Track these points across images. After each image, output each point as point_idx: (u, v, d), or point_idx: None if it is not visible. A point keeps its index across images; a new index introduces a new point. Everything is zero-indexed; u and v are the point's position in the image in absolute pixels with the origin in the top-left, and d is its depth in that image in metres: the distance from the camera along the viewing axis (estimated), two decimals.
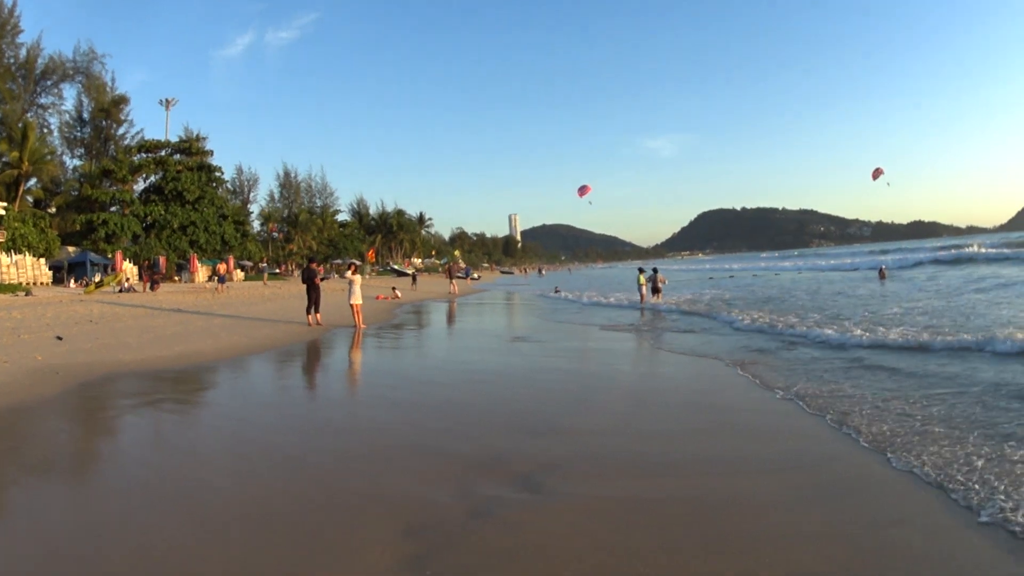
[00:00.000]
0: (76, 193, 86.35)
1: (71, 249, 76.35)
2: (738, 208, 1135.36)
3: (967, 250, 74.67)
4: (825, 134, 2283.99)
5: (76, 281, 63.20)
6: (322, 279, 30.89)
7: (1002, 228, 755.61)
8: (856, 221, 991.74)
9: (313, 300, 29.15)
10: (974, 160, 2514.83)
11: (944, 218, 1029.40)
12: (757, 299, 37.99)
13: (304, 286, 29.66)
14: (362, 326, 28.10)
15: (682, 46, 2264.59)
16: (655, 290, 40.61)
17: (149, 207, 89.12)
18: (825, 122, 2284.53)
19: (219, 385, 15.68)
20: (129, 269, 64.07)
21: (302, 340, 23.93)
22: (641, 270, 42.57)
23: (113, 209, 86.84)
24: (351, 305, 28.43)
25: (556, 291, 61.81)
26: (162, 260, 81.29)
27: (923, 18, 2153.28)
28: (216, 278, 60.43)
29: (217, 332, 25.08)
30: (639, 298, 41.42)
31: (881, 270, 56.86)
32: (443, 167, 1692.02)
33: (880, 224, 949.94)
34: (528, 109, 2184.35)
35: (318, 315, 29.14)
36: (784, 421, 10.88)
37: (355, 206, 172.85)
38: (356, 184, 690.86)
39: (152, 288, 56.99)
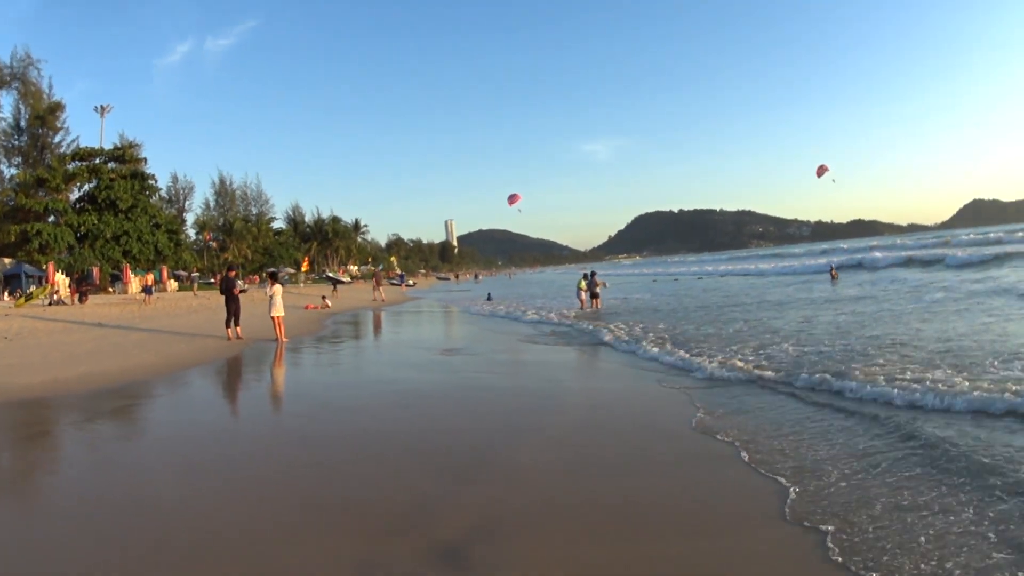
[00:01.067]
0: (12, 203, 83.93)
1: (7, 261, 74.46)
2: (675, 210, 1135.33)
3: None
4: (762, 135, 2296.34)
5: (10, 295, 61.56)
6: (242, 290, 29.85)
7: (944, 225, 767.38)
8: (795, 221, 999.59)
9: (232, 312, 28.13)
10: (916, 158, 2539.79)
11: (885, 216, 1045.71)
12: (683, 308, 37.24)
13: (216, 296, 29.07)
14: (284, 340, 27.18)
15: (616, 50, 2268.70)
16: (593, 295, 40.07)
17: (83, 216, 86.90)
18: (762, 123, 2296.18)
19: (100, 417, 13.97)
20: (61, 281, 62.23)
21: (217, 358, 22.89)
22: (585, 276, 41.51)
23: (51, 220, 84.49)
24: (272, 318, 27.56)
25: (488, 299, 60.69)
26: (96, 271, 79.43)
27: (864, 15, 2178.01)
28: (143, 289, 59.32)
29: (129, 349, 24.09)
30: (579, 304, 40.76)
31: (832, 271, 56.30)
32: (378, 173, 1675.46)
33: (820, 223, 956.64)
34: (464, 114, 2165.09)
35: (238, 328, 28.15)
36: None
37: (290, 213, 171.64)
38: (292, 191, 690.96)
39: (81, 300, 55.20)
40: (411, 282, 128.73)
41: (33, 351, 22.90)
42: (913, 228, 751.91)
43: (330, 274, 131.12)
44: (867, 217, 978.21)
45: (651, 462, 9.50)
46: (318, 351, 25.89)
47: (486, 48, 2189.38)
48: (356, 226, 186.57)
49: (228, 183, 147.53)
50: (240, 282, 29.39)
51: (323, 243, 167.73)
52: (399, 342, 30.26)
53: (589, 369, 19.76)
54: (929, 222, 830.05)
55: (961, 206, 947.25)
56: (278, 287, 28.50)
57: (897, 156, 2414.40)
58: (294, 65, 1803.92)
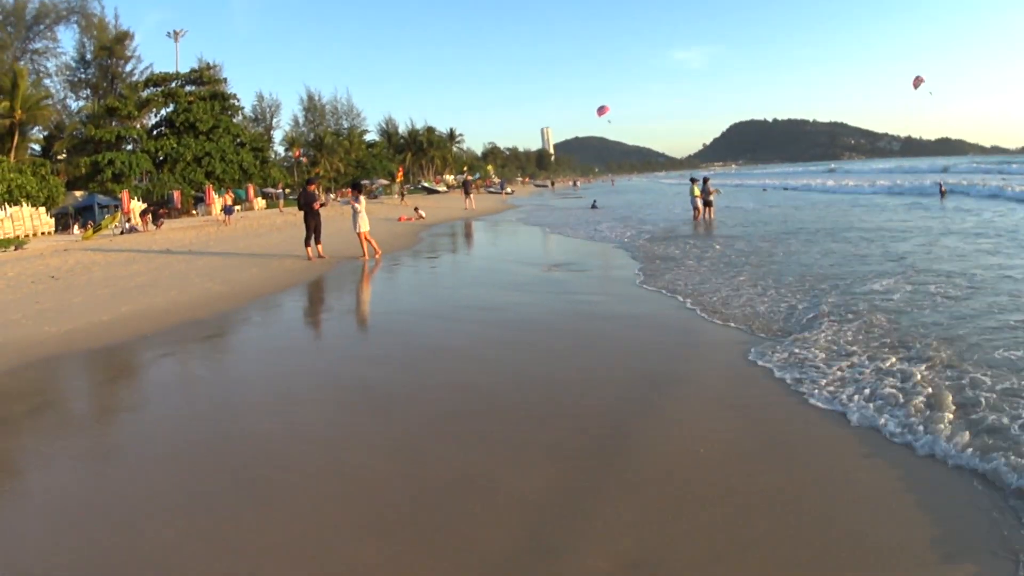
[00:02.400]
0: (80, 135, 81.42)
1: (78, 194, 71.59)
2: (769, 119, 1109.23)
3: None
4: (855, 46, 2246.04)
5: (81, 227, 58.80)
6: (322, 204, 26.32)
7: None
8: (886, 135, 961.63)
9: (312, 229, 24.84)
10: (1002, 79, 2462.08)
11: (970, 136, 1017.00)
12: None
13: (301, 213, 25.55)
14: (371, 257, 24.25)
15: None
16: (707, 203, 35.84)
17: (160, 141, 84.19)
18: (856, 35, 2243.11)
19: (115, 380, 10.74)
20: (135, 209, 59.41)
21: (292, 283, 19.61)
22: (693, 180, 37.34)
23: (128, 148, 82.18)
24: (358, 234, 24.56)
25: (594, 207, 57.37)
26: (177, 195, 76.46)
27: None
28: (222, 209, 56.18)
29: (192, 278, 20.54)
30: (693, 213, 36.52)
31: (941, 188, 50.55)
32: (473, 82, 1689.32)
33: (909, 139, 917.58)
34: (557, 20, 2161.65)
35: (319, 246, 24.82)
36: None
37: (383, 125, 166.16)
38: (384, 105, 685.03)
39: (156, 226, 52.60)
40: (509, 190, 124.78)
41: (78, 291, 19.32)
42: (996, 150, 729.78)
43: (425, 184, 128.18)
44: (954, 136, 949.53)
45: None
46: (413, 268, 22.79)
47: None
48: (451, 135, 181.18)
49: (317, 99, 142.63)
50: (322, 195, 25.69)
51: (418, 153, 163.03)
52: (499, 256, 26.58)
53: None
54: (1012, 145, 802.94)
55: None
56: (363, 200, 25.27)
57: (986, 75, 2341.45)
58: None
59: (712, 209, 36.11)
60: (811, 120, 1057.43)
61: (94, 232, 48.78)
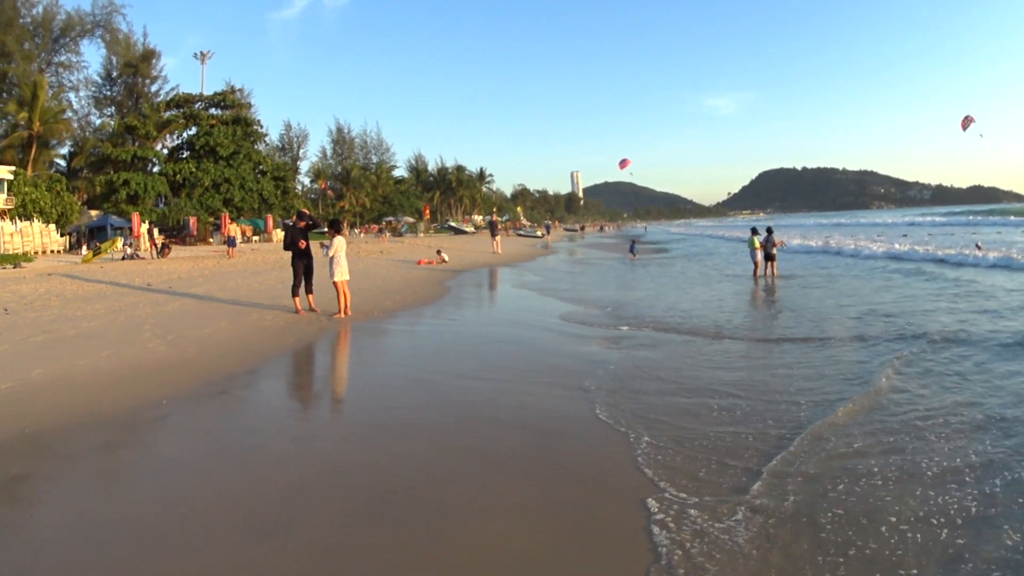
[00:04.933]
0: (97, 153, 79.02)
1: (93, 213, 69.67)
2: (798, 168, 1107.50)
3: None
4: (885, 94, 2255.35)
5: (89, 248, 55.28)
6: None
7: None
8: (916, 184, 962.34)
9: (301, 274, 20.33)
10: None
11: (1003, 183, 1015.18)
12: None
13: (288, 254, 21.13)
14: (347, 314, 19.72)
15: (742, 3, 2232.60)
16: (768, 256, 31.38)
17: (179, 165, 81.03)
18: (886, 83, 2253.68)
19: None
20: (146, 233, 56.20)
21: (257, 352, 14.82)
22: (754, 231, 32.59)
23: (155, 170, 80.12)
24: (334, 284, 19.88)
25: (632, 251, 53.55)
26: (193, 221, 73.35)
27: None
28: (225, 241, 52.44)
29: (145, 331, 16.37)
30: (753, 267, 32.14)
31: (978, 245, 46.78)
32: (505, 123, 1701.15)
33: (940, 187, 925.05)
34: (590, 66, 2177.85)
35: (310, 297, 20.44)
36: None
37: (413, 162, 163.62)
38: (414, 142, 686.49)
39: (160, 254, 48.63)
40: (540, 233, 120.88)
41: (14, 332, 15.83)
42: None
43: (452, 224, 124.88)
44: (986, 183, 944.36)
45: None
46: (434, 334, 18.01)
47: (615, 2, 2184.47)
48: (481, 175, 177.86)
49: (346, 131, 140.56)
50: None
51: (446, 192, 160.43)
52: (555, 330, 18.52)
53: None
54: None
55: None
56: (340, 241, 20.47)
57: (1020, 121, 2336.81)
58: (414, 15, 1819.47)
59: (775, 265, 31.69)
60: (840, 168, 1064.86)
61: (94, 255, 45.25)
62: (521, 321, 20.22)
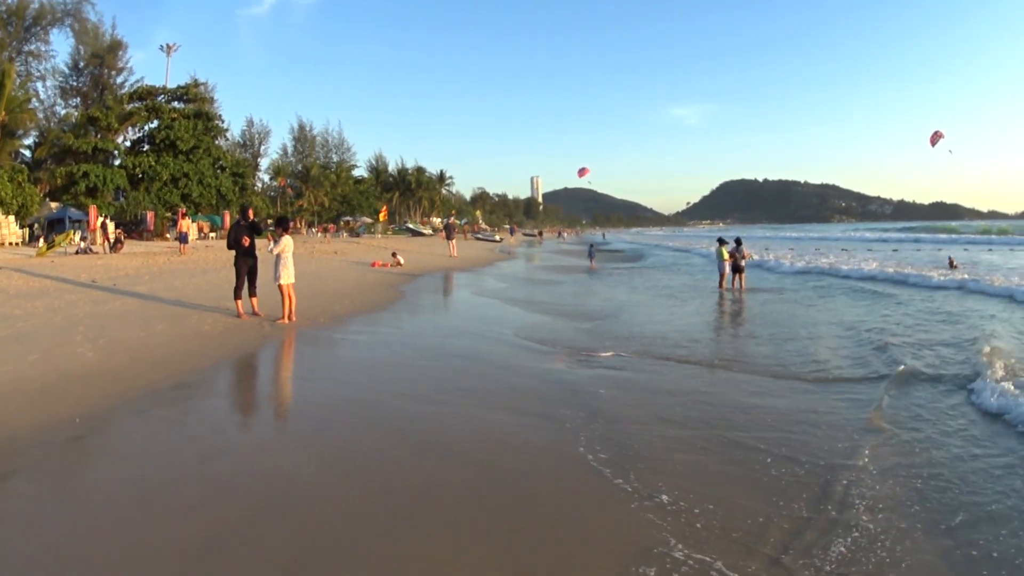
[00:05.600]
0: (59, 144, 76.85)
1: (53, 205, 67.71)
2: (760, 179, 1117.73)
3: None
4: (848, 109, 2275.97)
5: (45, 241, 53.97)
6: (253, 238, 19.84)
7: (1022, 215, 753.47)
8: (877, 198, 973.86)
9: (243, 275, 19.29)
10: (999, 144, 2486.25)
11: (965, 200, 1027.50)
12: None
13: (232, 253, 20.04)
14: (292, 319, 18.66)
15: (711, 13, 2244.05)
16: (737, 268, 30.76)
17: (138, 158, 79.33)
18: (848, 97, 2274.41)
19: None
20: (110, 227, 54.80)
21: (193, 361, 13.85)
22: (721, 241, 31.86)
23: (114, 162, 78.41)
24: (279, 287, 18.78)
25: (591, 257, 54.26)
26: (150, 216, 72.08)
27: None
28: (177, 238, 51.30)
29: (78, 332, 15.46)
30: (719, 277, 31.48)
31: (951, 259, 46.84)
32: (467, 126, 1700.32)
33: (902, 203, 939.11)
34: (555, 71, 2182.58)
35: (254, 300, 19.35)
36: None
37: (373, 162, 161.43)
38: (376, 142, 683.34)
39: (113, 249, 47.42)
40: (498, 237, 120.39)
41: None
42: (993, 215, 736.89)
43: (411, 225, 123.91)
44: (949, 200, 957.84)
45: None
46: (384, 347, 16.50)
47: (582, 6, 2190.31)
48: (441, 177, 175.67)
49: (308, 129, 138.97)
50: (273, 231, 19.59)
51: (405, 193, 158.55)
52: (517, 344, 17.05)
53: None
54: (1009, 211, 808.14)
55: None
56: (288, 241, 19.37)
57: (980, 139, 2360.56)
58: (383, 17, 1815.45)
59: (743, 277, 31.08)
60: (802, 181, 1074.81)
61: (48, 249, 43.77)
62: (480, 333, 18.89)
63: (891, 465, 8.39)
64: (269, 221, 75.25)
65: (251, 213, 19.97)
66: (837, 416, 10.52)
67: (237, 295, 19.10)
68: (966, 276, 33.22)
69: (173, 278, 27.60)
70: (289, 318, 18.56)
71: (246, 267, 19.27)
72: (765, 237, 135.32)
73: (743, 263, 31.21)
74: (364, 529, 6.55)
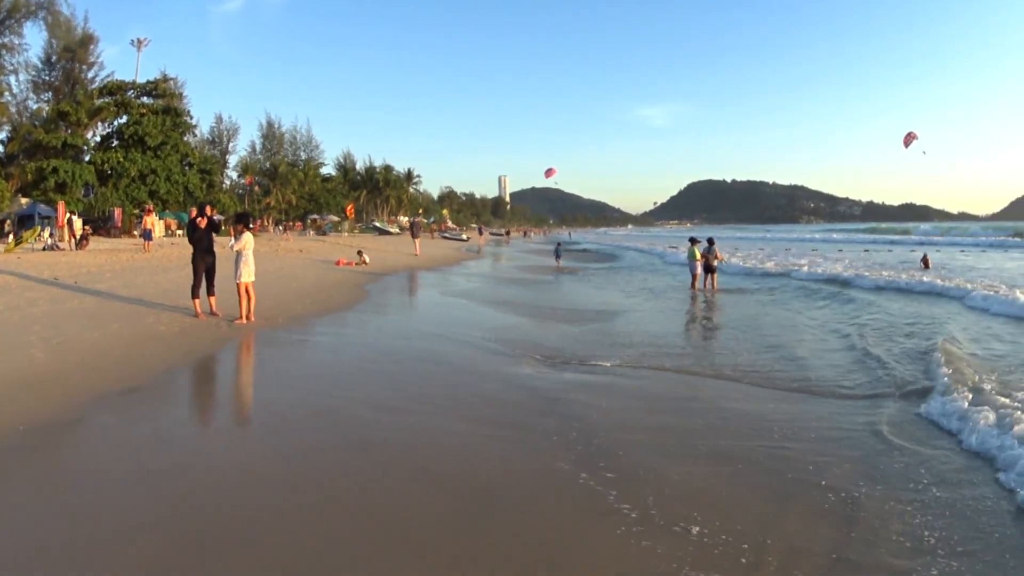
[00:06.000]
0: (30, 139, 75.56)
1: (23, 201, 66.45)
2: (728, 180, 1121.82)
3: None
4: (817, 110, 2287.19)
5: (15, 236, 53.34)
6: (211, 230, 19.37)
7: (995, 217, 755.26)
8: (846, 199, 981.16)
9: (201, 273, 18.89)
10: (971, 146, 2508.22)
11: (935, 202, 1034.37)
12: None
13: (191, 250, 19.56)
14: (250, 319, 18.32)
15: (679, 14, 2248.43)
16: (709, 268, 30.75)
17: (107, 154, 78.30)
18: (819, 99, 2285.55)
19: None
20: (76, 224, 53.95)
21: (146, 364, 13.36)
22: (694, 240, 32.01)
23: (85, 158, 77.35)
24: (237, 285, 18.41)
25: (557, 256, 54.03)
26: (118, 212, 70.94)
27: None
28: (142, 235, 50.72)
29: (31, 332, 15.07)
30: (691, 278, 31.38)
31: (924, 257, 46.94)
32: (435, 125, 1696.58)
33: (871, 204, 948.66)
34: (523, 71, 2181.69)
35: (212, 299, 19.00)
36: None
37: (341, 160, 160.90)
38: (344, 140, 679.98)
39: (79, 246, 47.01)
40: (466, 236, 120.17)
41: None
42: (964, 217, 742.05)
43: (377, 224, 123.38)
44: (918, 202, 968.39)
45: None
46: (341, 357, 15.54)
47: (551, 6, 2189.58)
48: (409, 176, 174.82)
49: (276, 126, 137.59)
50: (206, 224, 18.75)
51: (373, 192, 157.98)
52: (487, 348, 16.36)
53: None
54: (980, 212, 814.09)
55: (1015, 199, 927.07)
56: (249, 237, 19.04)
57: (953, 142, 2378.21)
58: (353, 16, 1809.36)
59: (715, 277, 31.10)
60: (770, 182, 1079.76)
61: (16, 245, 43.45)
62: (448, 335, 18.28)
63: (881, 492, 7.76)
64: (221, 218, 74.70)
65: (209, 209, 19.68)
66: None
67: (195, 294, 18.78)
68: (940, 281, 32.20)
69: (135, 276, 27.25)
70: (247, 318, 18.28)
71: (204, 265, 18.91)
72: (735, 238, 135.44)
73: (715, 264, 31.18)
74: (323, 558, 5.85)
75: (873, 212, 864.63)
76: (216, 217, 20.55)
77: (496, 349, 16.11)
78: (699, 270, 30.87)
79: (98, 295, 21.34)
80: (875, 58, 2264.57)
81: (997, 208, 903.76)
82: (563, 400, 11.37)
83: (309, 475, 7.93)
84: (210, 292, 19.03)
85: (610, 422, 10.15)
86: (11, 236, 50.57)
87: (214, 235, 19.42)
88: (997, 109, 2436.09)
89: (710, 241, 31.21)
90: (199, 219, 19.26)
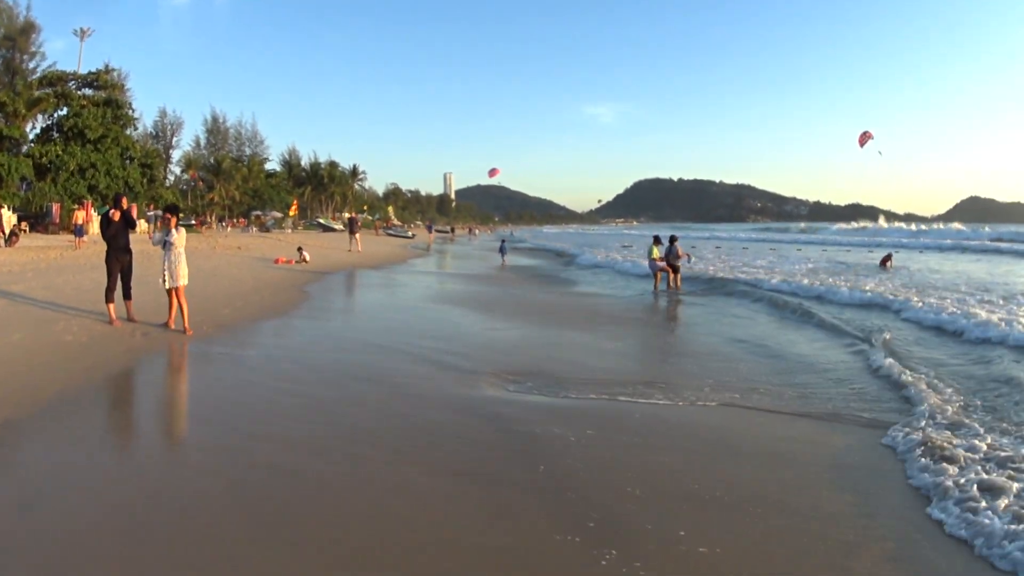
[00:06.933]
0: None
1: None
2: (675, 179, 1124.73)
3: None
4: (764, 110, 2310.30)
5: None
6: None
7: (940, 218, 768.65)
8: (793, 199, 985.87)
9: (117, 274, 16.85)
10: (918, 148, 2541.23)
11: (882, 203, 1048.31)
12: None
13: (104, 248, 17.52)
14: (182, 326, 16.26)
15: (628, 12, 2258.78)
16: (673, 268, 29.34)
17: (46, 147, 74.88)
18: (764, 98, 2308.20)
19: None
20: (8, 219, 51.31)
21: (40, 383, 11.56)
22: (657, 240, 30.43)
23: (17, 151, 73.60)
24: (167, 291, 16.43)
25: (502, 252, 53.09)
26: (56, 208, 68.23)
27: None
28: (73, 231, 48.59)
29: None
30: (653, 279, 29.96)
31: (887, 258, 45.55)
32: (380, 122, 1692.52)
33: (818, 204, 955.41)
34: (467, 67, 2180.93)
35: (128, 303, 17.05)
36: None
37: (286, 156, 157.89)
38: (289, 136, 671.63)
39: (8, 243, 44.33)
40: (411, 233, 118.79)
41: None
42: (910, 218, 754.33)
43: (322, 221, 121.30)
44: (865, 202, 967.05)
45: None
46: (266, 376, 13.54)
47: (498, 4, 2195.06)
48: (354, 172, 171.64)
49: (221, 120, 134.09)
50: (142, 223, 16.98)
51: (318, 188, 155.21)
52: (437, 361, 14.22)
53: None
54: (926, 213, 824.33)
55: (959, 201, 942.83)
56: (182, 234, 16.90)
57: (899, 144, 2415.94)
58: (301, 9, 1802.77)
59: (679, 278, 29.73)
60: (717, 181, 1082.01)
61: None
62: (393, 346, 16.08)
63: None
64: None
65: (124, 201, 17.53)
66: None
67: (109, 298, 16.68)
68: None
69: (57, 275, 25.10)
70: (187, 329, 16.26)
71: (120, 265, 16.85)
72: (689, 236, 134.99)
73: (678, 263, 29.80)
74: None
75: (820, 212, 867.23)
76: (160, 213, 18.35)
77: (449, 363, 14.01)
78: (658, 269, 29.48)
79: (9, 297, 19.16)
80: (824, 60, 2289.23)
81: (942, 209, 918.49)
82: (539, 436, 9.25)
83: (191, 558, 5.73)
84: (126, 295, 17.03)
85: (597, 464, 8.23)
86: None
87: (130, 231, 17.29)
88: (945, 112, 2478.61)
89: (671, 240, 29.74)
90: (112, 212, 17.06)
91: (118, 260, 16.82)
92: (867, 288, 27.92)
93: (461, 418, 10.13)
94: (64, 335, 15.02)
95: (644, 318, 23.63)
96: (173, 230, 16.67)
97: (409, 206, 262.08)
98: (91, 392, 11.50)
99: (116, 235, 16.86)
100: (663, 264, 29.38)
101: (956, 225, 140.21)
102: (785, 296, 26.52)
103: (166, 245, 16.50)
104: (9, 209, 56.10)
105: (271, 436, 9.11)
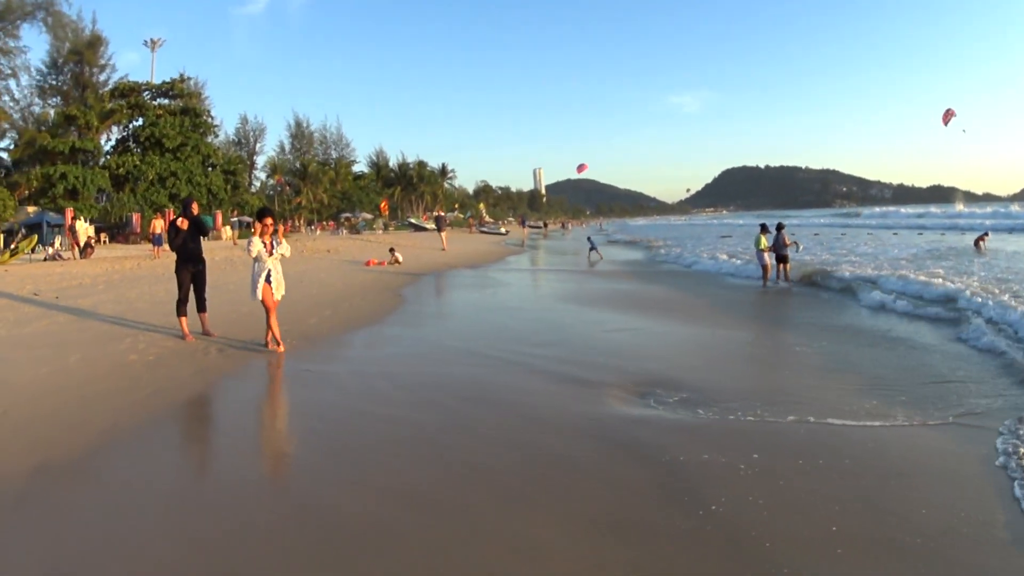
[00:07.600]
0: (35, 145, 72.90)
1: (30, 210, 63.51)
2: (761, 166, 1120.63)
3: None
4: (848, 94, 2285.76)
5: (7, 248, 50.36)
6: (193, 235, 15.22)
7: (1015, 197, 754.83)
8: (877, 183, 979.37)
9: (188, 285, 15.10)
10: (998, 128, 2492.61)
11: (961, 183, 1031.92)
12: None
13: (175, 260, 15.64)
14: (280, 347, 13.89)
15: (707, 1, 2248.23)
16: (781, 258, 27.10)
17: (122, 157, 76.00)
18: (849, 83, 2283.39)
19: None
20: (84, 230, 50.89)
21: (89, 417, 9.62)
22: (764, 228, 27.61)
23: (100, 162, 75.06)
24: (263, 303, 13.91)
25: (592, 248, 49.33)
26: (136, 218, 68.28)
27: None
28: (151, 240, 47.83)
29: None
30: (762, 270, 27.62)
31: (981, 237, 42.97)
32: (468, 120, 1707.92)
33: (901, 187, 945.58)
34: (554, 63, 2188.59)
35: (203, 316, 15.29)
36: None
37: (373, 157, 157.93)
38: (376, 137, 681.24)
39: (83, 255, 43.35)
40: (504, 230, 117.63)
41: None
42: (988, 197, 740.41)
43: (413, 221, 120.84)
44: (946, 183, 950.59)
45: None
46: (358, 403, 11.65)
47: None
48: (443, 171, 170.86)
49: (305, 125, 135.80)
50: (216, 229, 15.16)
51: (407, 188, 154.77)
52: (569, 378, 11.48)
53: None
54: (1003, 192, 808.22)
55: None
56: (285, 245, 14.36)
57: (983, 123, 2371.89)
58: (380, 11, 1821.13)
59: (787, 267, 27.54)
60: (803, 167, 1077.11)
61: (11, 256, 40.34)
62: (497, 354, 13.83)
63: None
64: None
65: (195, 207, 15.70)
66: None
67: (181, 311, 14.97)
68: None
69: (130, 287, 23.86)
70: (274, 343, 14.06)
71: (189, 275, 15.12)
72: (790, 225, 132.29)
73: (786, 252, 27.53)
74: None
75: (903, 195, 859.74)
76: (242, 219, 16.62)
77: (566, 374, 11.81)
78: (768, 261, 27.30)
79: (76, 313, 17.79)
80: (905, 41, 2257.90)
81: (1017, 188, 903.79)
82: (688, 465, 7.37)
83: None
84: (200, 308, 15.31)
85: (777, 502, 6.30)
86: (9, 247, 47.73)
87: (200, 236, 15.45)
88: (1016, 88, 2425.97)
89: (778, 227, 27.47)
90: (179, 220, 15.16)
91: (187, 270, 15.11)
92: None
93: (592, 445, 8.26)
94: (128, 354, 13.25)
95: (768, 315, 21.28)
96: (284, 240, 14.41)
97: (500, 203, 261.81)
98: (147, 428, 9.23)
99: (185, 243, 15.04)
100: (769, 254, 27.26)
101: None
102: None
103: (261, 257, 14.14)
104: (86, 221, 55.76)
105: (364, 481, 7.24)
